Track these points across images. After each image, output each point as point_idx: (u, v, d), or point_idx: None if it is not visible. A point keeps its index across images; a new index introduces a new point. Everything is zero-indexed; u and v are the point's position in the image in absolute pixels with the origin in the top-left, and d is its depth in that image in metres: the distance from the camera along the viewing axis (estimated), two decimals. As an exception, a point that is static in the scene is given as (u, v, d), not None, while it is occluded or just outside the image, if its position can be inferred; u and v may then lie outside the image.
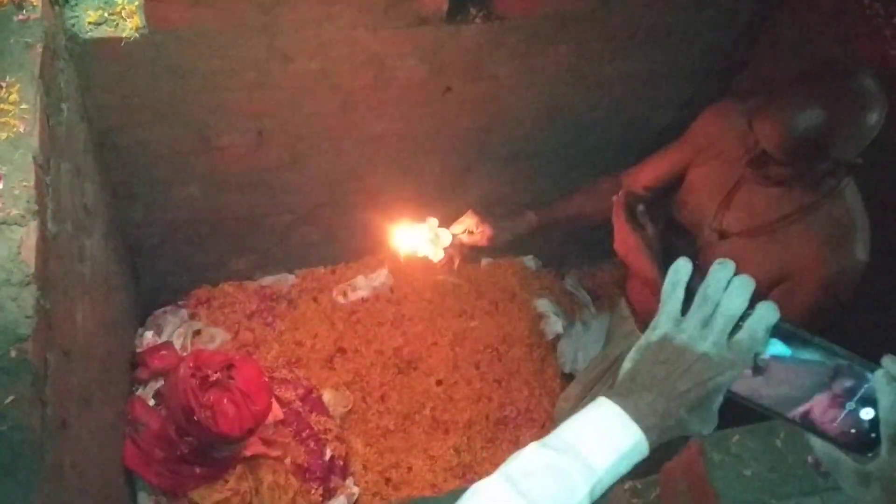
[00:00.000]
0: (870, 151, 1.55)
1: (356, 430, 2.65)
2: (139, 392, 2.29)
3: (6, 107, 1.48)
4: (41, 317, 1.34)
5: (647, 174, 1.90)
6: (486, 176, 2.66)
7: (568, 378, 2.87)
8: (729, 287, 0.83)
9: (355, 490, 2.48)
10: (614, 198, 1.79)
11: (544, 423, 2.80)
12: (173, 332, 2.59)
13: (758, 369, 0.85)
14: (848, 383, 0.83)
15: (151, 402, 2.24)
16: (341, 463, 2.50)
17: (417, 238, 1.98)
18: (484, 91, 2.30)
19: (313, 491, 2.38)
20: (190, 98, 2.06)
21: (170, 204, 2.40)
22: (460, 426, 2.72)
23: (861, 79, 1.47)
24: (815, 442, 0.86)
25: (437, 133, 2.42)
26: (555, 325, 3.01)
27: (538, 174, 2.70)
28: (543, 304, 3.06)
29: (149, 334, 2.52)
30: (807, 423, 0.84)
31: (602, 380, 2.26)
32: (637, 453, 0.80)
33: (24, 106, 1.49)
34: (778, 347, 0.85)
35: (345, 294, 2.86)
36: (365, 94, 2.21)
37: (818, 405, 0.83)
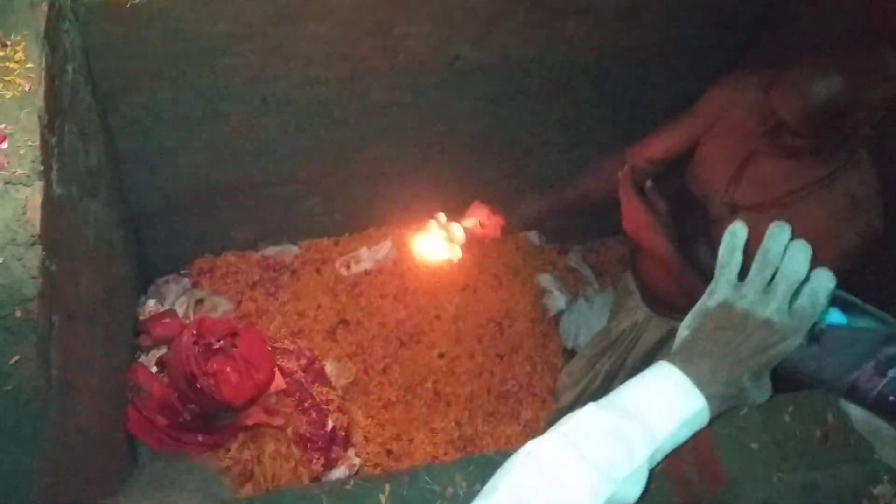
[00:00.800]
0: (883, 123, 1.54)
1: (358, 402, 2.66)
2: (141, 359, 2.28)
3: (11, 65, 1.46)
4: (46, 278, 1.32)
5: (656, 147, 1.87)
6: (494, 147, 2.63)
7: (570, 354, 2.87)
8: (788, 251, 0.80)
9: (356, 461, 2.49)
10: (619, 173, 1.77)
11: (545, 399, 2.80)
12: (175, 300, 2.58)
13: (812, 338, 0.83)
14: (893, 350, 0.81)
15: (154, 370, 2.23)
16: (343, 434, 2.50)
17: (433, 242, 1.96)
18: (493, 60, 2.27)
19: (315, 461, 2.37)
20: (195, 62, 2.03)
21: (174, 171, 2.38)
22: (462, 399, 2.72)
23: (882, 51, 1.46)
24: (856, 410, 0.87)
25: (444, 103, 2.39)
26: (557, 300, 3.00)
27: (547, 146, 2.68)
28: (546, 280, 3.05)
29: (151, 302, 2.51)
30: (850, 392, 0.83)
31: (606, 355, 2.25)
32: (699, 421, 0.78)
33: (29, 65, 1.47)
34: (834, 316, 0.84)
35: (348, 266, 2.85)
36: (373, 61, 2.18)
37: (863, 373, 0.82)
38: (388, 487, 1.21)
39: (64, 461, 1.35)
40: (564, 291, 3.04)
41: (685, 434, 0.78)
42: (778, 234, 0.81)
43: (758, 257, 0.81)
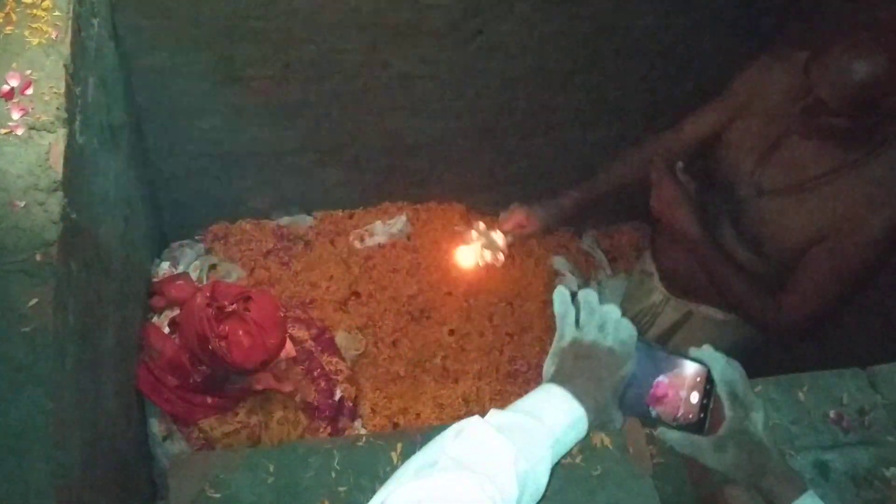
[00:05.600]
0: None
1: (366, 374, 2.66)
2: (154, 320, 2.29)
3: (39, 13, 1.46)
4: (67, 224, 1.33)
5: (690, 130, 1.86)
6: (513, 125, 2.62)
7: (579, 337, 2.85)
8: (601, 301, 1.02)
9: (363, 432, 2.49)
10: (654, 158, 1.76)
11: (553, 379, 2.79)
12: (189, 264, 2.58)
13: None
14: (679, 376, 1.01)
15: (166, 331, 2.24)
16: (350, 405, 2.50)
17: (474, 250, 1.98)
18: (517, 36, 2.26)
19: (321, 430, 2.38)
20: (220, 24, 2.03)
21: (193, 134, 2.38)
22: (470, 377, 2.72)
23: None
24: (671, 434, 1.02)
25: (465, 77, 2.39)
26: (570, 283, 2.99)
27: (567, 125, 2.67)
28: (559, 262, 3.04)
29: (165, 265, 2.51)
30: (661, 419, 1.01)
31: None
32: (581, 427, 0.93)
33: (56, 13, 1.47)
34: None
35: (361, 239, 2.85)
36: (396, 32, 2.17)
37: (668, 401, 1.01)
38: (399, 445, 1.22)
39: (77, 409, 1.36)
40: (577, 275, 3.03)
41: (572, 437, 0.92)
42: (590, 292, 1.03)
43: (584, 307, 1.01)
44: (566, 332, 1.01)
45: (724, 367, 1.01)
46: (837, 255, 1.60)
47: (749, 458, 0.99)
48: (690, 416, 1.00)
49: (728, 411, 1.00)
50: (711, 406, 1.01)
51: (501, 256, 2.02)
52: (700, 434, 1.00)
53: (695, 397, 1.00)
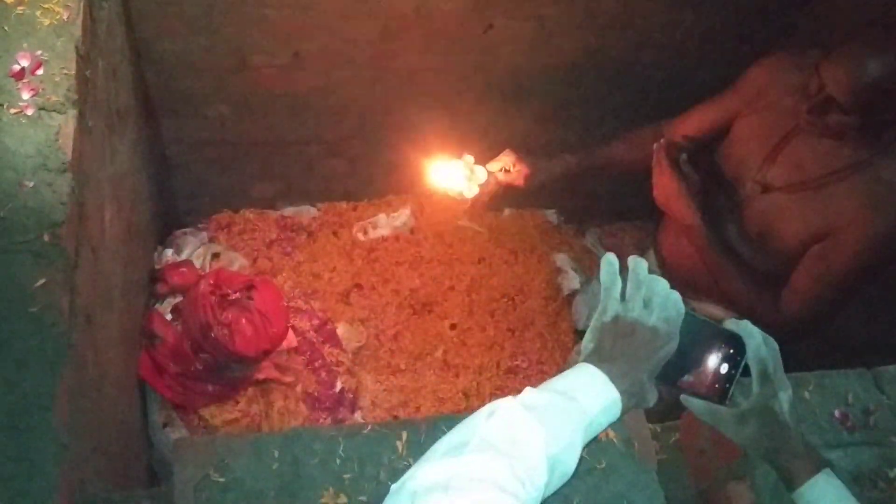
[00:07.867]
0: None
1: (367, 367, 2.65)
2: (157, 307, 2.29)
3: (50, -8, 1.45)
4: (75, 205, 1.32)
5: (692, 124, 1.86)
6: (522, 119, 2.62)
7: (581, 335, 2.85)
8: (650, 274, 0.98)
9: (364, 424, 2.49)
10: (655, 145, 1.76)
11: (554, 376, 2.79)
12: (192, 252, 2.57)
13: None
14: (711, 346, 1.00)
15: (169, 318, 2.24)
16: (351, 396, 2.50)
17: (452, 173, 1.97)
18: (527, 31, 2.25)
19: (322, 420, 2.38)
20: (230, 11, 2.02)
21: (199, 122, 2.38)
22: (471, 371, 2.71)
23: None
24: (694, 402, 1.01)
25: (475, 71, 2.38)
26: (572, 280, 2.98)
27: (573, 121, 2.66)
28: (562, 259, 3.03)
29: (168, 252, 2.51)
30: (689, 387, 1.00)
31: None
32: (615, 410, 0.91)
33: (68, -6, 1.46)
34: None
35: (365, 231, 2.84)
36: (405, 23, 2.17)
37: (696, 369, 1.00)
38: (405, 434, 1.21)
39: (82, 392, 1.36)
40: (579, 272, 3.02)
41: (605, 420, 0.90)
42: (640, 262, 0.98)
43: (631, 280, 0.97)
44: (610, 306, 0.97)
45: (760, 345, 0.99)
46: (838, 254, 1.61)
47: (769, 435, 0.99)
48: (717, 386, 0.99)
49: (756, 387, 1.00)
50: (738, 377, 1.00)
51: (476, 189, 2.03)
52: (722, 404, 1.00)
53: (724, 368, 0.99)
